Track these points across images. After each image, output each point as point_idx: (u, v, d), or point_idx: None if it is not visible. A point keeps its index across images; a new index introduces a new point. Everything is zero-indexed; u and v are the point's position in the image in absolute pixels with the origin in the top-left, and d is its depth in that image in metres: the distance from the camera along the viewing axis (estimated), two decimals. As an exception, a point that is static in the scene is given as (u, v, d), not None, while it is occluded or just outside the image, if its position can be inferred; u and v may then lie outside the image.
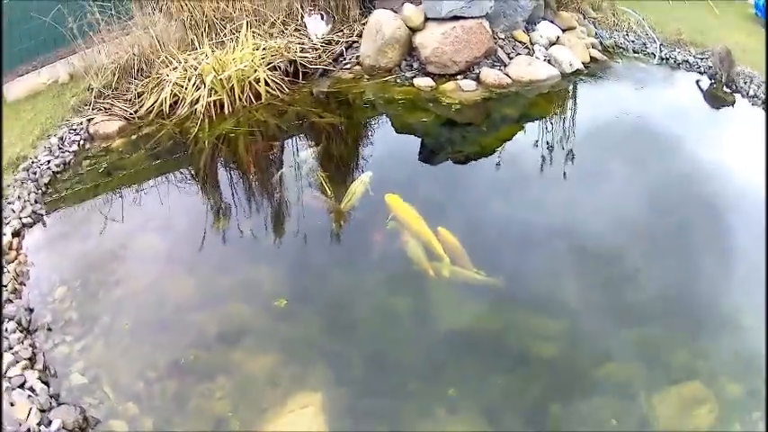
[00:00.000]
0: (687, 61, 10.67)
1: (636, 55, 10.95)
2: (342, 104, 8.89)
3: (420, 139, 8.30)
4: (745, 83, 9.54)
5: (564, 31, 10.51)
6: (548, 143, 7.99)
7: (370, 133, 8.48)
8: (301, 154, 7.71)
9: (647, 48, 11.12)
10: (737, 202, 6.71)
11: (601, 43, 10.98)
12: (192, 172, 7.60)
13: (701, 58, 10.55)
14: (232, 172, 7.79)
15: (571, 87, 9.46)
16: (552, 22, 10.50)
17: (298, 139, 8.21)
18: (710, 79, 9.96)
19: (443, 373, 4.82)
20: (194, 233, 6.41)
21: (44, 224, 6.63)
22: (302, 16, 9.80)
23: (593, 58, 10.32)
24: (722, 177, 7.09)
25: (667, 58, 10.81)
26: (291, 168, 7.46)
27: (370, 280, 5.80)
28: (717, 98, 9.47)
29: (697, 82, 9.92)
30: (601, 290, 5.64)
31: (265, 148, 7.99)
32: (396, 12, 9.62)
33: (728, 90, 9.62)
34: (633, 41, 11.31)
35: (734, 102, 9.33)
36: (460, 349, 5.05)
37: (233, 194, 7.21)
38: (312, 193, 6.95)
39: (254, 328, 5.21)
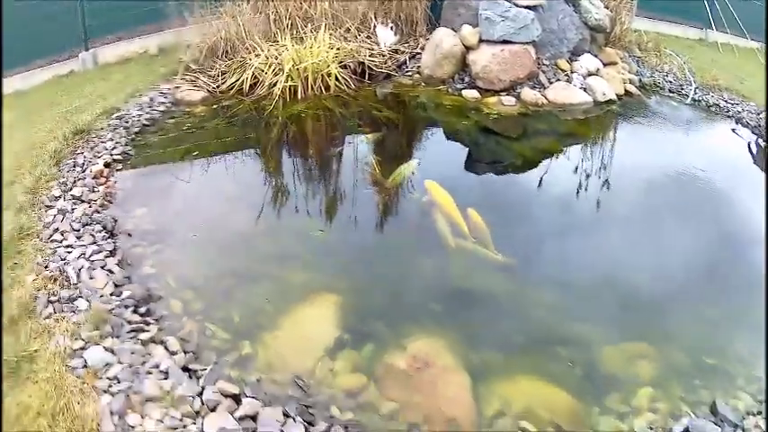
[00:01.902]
0: (717, 104, 11.56)
1: (670, 94, 11.84)
2: (399, 104, 10.09)
3: (459, 139, 9.43)
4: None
5: (606, 65, 11.48)
6: (567, 155, 9.12)
7: (419, 129, 9.64)
8: (359, 138, 8.84)
9: (682, 89, 12.03)
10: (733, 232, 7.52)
11: (640, 80, 11.89)
12: (264, 140, 8.80)
13: (732, 104, 11.48)
14: (297, 144, 9.03)
15: (601, 114, 10.45)
16: (596, 56, 11.47)
17: (357, 126, 9.38)
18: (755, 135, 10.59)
19: (440, 305, 5.82)
20: (261, 186, 7.59)
21: (132, 163, 7.81)
22: (374, 26, 11.02)
23: (627, 92, 11.22)
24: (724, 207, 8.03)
25: (699, 100, 11.69)
26: (349, 148, 8.65)
27: (400, 240, 6.81)
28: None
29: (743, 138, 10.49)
30: (593, 274, 6.52)
31: (329, 129, 9.26)
32: (455, 31, 10.78)
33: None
34: (671, 82, 12.22)
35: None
36: (462, 296, 6.00)
37: (296, 161, 8.49)
38: (365, 169, 8.01)
39: (299, 252, 6.33)
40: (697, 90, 11.98)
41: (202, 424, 4.14)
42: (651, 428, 4.67)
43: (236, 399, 4.38)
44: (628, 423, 4.71)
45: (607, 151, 9.54)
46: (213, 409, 4.26)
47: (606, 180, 8.34)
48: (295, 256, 6.29)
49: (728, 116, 11.25)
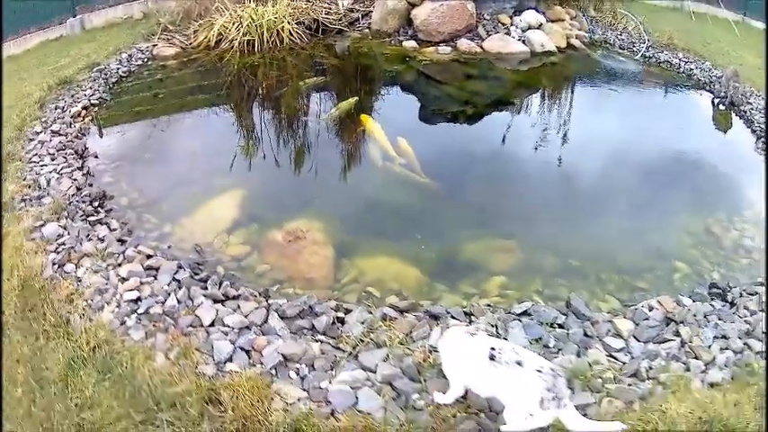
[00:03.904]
0: (669, 61, 12.14)
1: (620, 50, 12.57)
2: (346, 54, 11.57)
3: (394, 82, 10.80)
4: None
5: (552, 21, 12.49)
6: (478, 92, 10.36)
7: (359, 74, 10.97)
8: (303, 81, 10.22)
9: (634, 46, 12.74)
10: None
11: (590, 37, 12.75)
12: (219, 84, 10.23)
13: (686, 62, 12.00)
14: (247, 87, 10.49)
15: (538, 63, 11.55)
16: (542, 12, 12.49)
17: (306, 71, 10.77)
18: (710, 92, 10.82)
19: (333, 202, 7.09)
20: (211, 118, 9.13)
21: (107, 106, 9.29)
22: (334, -13, 12.40)
23: (570, 45, 12.21)
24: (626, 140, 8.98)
25: (650, 57, 12.32)
26: (294, 88, 10.04)
27: (328, 158, 7.99)
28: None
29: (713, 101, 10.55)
30: (494, 194, 7.45)
31: (278, 74, 10.71)
32: (403, -11, 12.11)
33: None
34: (623, 40, 12.99)
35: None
36: (360, 199, 7.24)
37: (244, 99, 9.98)
38: (306, 105, 9.43)
39: (228, 164, 7.74)
40: (649, 48, 12.61)
41: (119, 270, 5.62)
42: (489, 306, 5.15)
43: (149, 257, 5.80)
44: (471, 301, 5.29)
45: (535, 92, 10.78)
46: (130, 261, 5.74)
47: (529, 113, 9.67)
48: (224, 167, 7.71)
49: (679, 72, 11.73)
